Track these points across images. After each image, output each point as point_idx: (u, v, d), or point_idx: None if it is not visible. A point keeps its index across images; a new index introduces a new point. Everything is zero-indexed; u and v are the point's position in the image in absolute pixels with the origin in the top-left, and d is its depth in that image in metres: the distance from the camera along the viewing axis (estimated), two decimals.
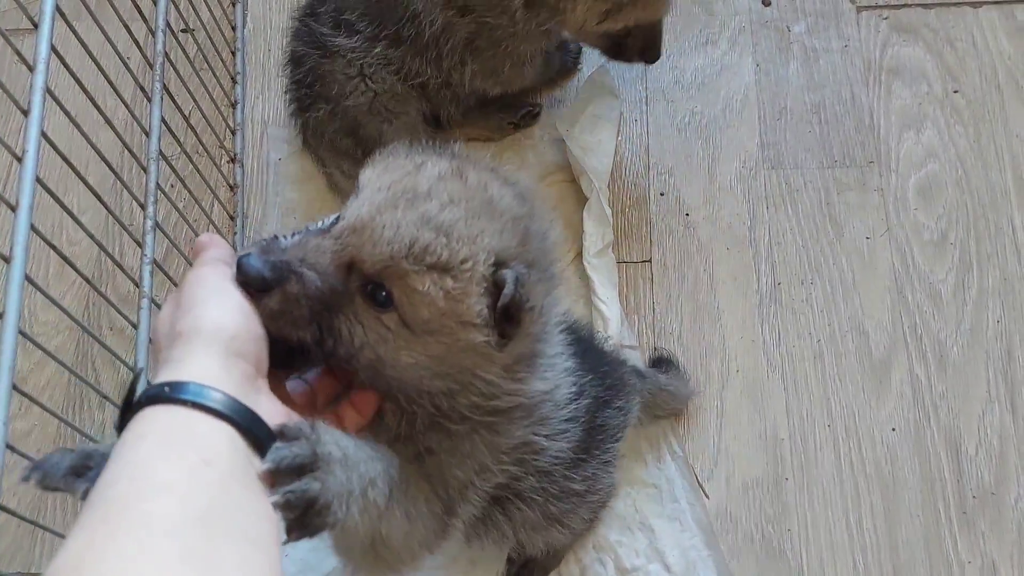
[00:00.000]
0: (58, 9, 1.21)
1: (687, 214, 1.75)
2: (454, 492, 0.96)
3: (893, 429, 1.55)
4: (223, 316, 0.77)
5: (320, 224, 0.86)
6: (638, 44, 1.63)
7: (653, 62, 1.67)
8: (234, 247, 1.73)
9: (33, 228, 1.08)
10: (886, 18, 1.93)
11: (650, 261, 1.72)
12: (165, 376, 0.72)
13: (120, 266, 1.32)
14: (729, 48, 1.93)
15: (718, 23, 1.95)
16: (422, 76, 1.63)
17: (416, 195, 0.82)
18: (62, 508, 1.58)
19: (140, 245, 1.36)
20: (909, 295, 1.66)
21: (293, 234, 0.85)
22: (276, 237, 0.83)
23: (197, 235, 1.62)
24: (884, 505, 1.50)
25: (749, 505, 1.51)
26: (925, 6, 1.94)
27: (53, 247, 1.16)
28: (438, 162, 0.87)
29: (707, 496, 1.51)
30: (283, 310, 0.80)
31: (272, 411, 0.76)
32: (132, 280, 1.34)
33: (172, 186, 1.68)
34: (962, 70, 1.87)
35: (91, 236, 1.25)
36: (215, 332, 0.76)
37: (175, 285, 1.47)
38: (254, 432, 0.72)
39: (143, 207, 1.38)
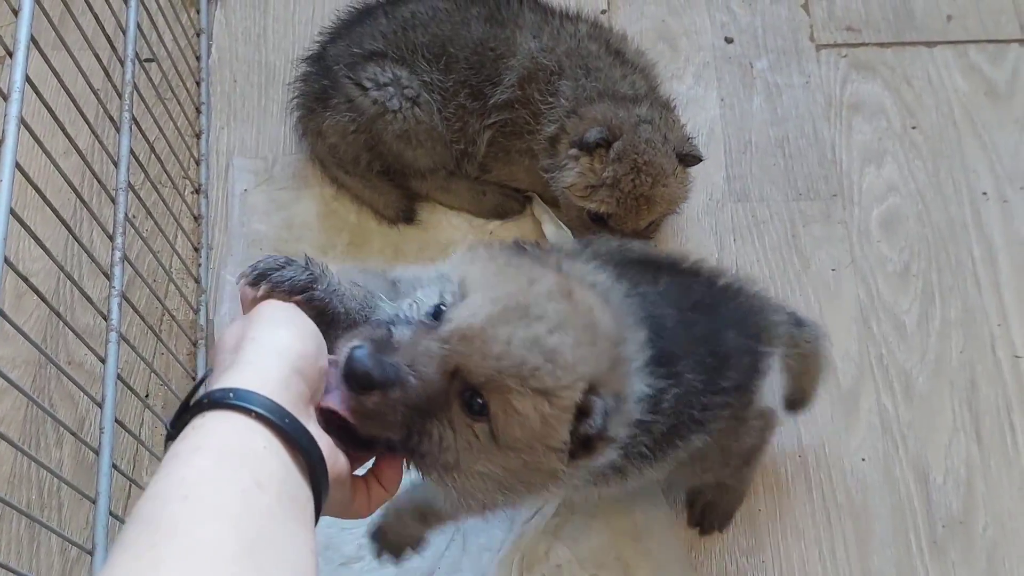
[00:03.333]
0: (32, 38, 1.19)
1: (655, 245, 1.76)
2: None
3: (863, 459, 1.56)
4: (293, 336, 0.77)
5: (426, 309, 0.87)
6: None
7: None
8: (197, 279, 1.71)
9: (7, 261, 1.05)
10: (845, 56, 1.98)
11: None
12: (228, 380, 0.71)
13: (89, 298, 1.29)
14: (695, 83, 1.96)
15: (683, 58, 1.99)
16: (458, 128, 1.69)
17: (528, 314, 0.83)
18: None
19: (108, 277, 1.33)
20: (875, 326, 1.68)
21: (404, 316, 0.86)
22: (389, 330, 0.83)
23: (162, 266, 1.59)
24: (856, 535, 1.51)
25: (723, 537, 1.51)
26: (882, 45, 1.99)
27: (27, 281, 1.13)
28: (548, 278, 0.88)
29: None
30: (378, 412, 0.80)
31: (317, 435, 0.75)
32: (100, 313, 1.31)
33: (135, 216, 1.65)
34: (919, 107, 1.92)
35: (61, 268, 1.22)
36: (285, 347, 0.76)
37: (141, 318, 1.44)
38: (308, 455, 0.71)
39: (111, 238, 1.35)
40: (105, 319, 1.31)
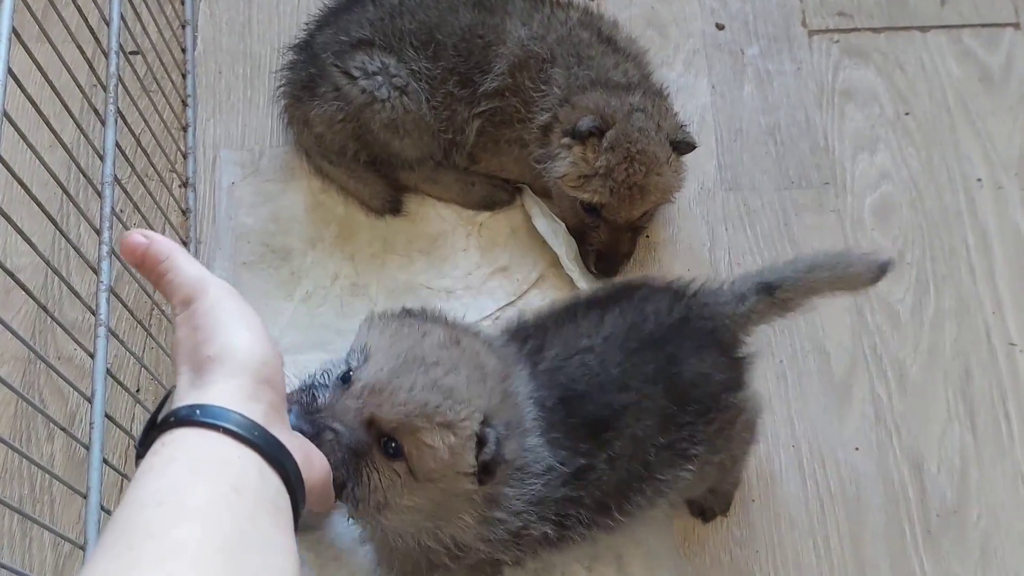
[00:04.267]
0: (15, 30, 1.17)
1: (647, 236, 1.75)
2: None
3: (856, 449, 1.56)
4: (252, 342, 0.77)
5: (336, 374, 1.03)
6: (601, 240, 1.63)
7: (602, 273, 1.65)
8: None
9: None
10: (837, 41, 1.97)
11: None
12: (195, 396, 0.71)
13: (76, 294, 1.28)
14: (685, 70, 1.94)
15: (672, 45, 1.97)
16: (447, 118, 1.68)
17: (424, 363, 0.98)
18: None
19: (96, 271, 1.32)
20: (868, 315, 1.67)
21: (319, 382, 1.02)
22: (314, 394, 1.00)
23: None
24: (850, 525, 1.50)
25: (716, 527, 1.50)
26: (875, 30, 1.98)
27: (14, 276, 1.12)
28: (437, 331, 1.04)
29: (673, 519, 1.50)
30: (328, 453, 0.92)
31: (291, 443, 0.75)
32: (88, 308, 1.30)
33: (122, 210, 1.64)
34: (912, 93, 1.90)
35: (48, 264, 1.21)
36: (246, 358, 0.76)
37: (130, 312, 1.43)
38: (282, 464, 0.71)
39: (98, 233, 1.34)
40: (94, 314, 1.30)
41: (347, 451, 0.97)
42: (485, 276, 1.72)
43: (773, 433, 1.57)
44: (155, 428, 0.71)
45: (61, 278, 1.24)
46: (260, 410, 0.73)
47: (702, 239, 1.75)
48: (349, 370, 1.02)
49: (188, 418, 0.69)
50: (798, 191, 1.80)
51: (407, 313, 1.10)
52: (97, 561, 0.59)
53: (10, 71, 1.12)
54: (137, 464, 0.71)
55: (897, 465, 1.55)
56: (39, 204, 1.19)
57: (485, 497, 1.06)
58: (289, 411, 0.89)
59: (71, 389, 1.26)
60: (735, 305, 1.28)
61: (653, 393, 1.17)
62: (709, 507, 1.48)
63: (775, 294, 1.30)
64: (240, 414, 0.70)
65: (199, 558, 0.59)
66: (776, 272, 1.32)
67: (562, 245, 1.68)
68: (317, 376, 1.04)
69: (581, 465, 1.14)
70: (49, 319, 1.61)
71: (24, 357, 1.65)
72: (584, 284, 1.65)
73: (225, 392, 0.72)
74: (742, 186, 1.81)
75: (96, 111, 1.40)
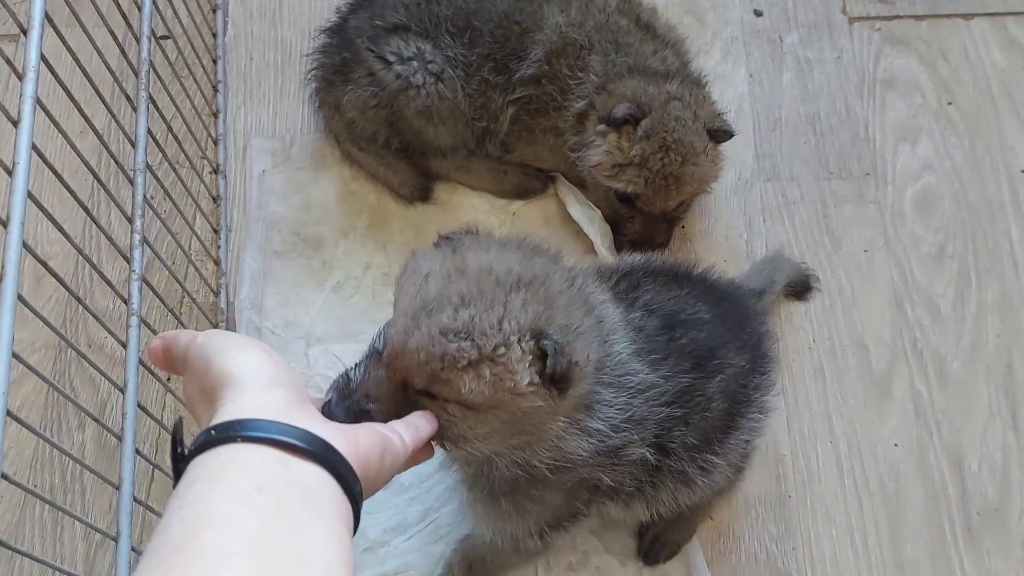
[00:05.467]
0: (47, 15, 1.16)
1: (683, 226, 1.72)
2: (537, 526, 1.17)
3: (896, 445, 1.53)
4: (248, 358, 0.79)
5: (374, 342, 0.98)
6: (636, 231, 1.61)
7: None
8: (217, 261, 1.68)
9: (25, 245, 1.02)
10: (878, 29, 1.92)
11: None
12: (220, 418, 0.73)
13: (109, 283, 1.27)
14: (722, 58, 1.90)
15: (710, 33, 1.93)
16: (481, 105, 1.66)
17: (430, 308, 0.91)
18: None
19: (127, 260, 1.31)
20: (908, 309, 1.64)
21: (361, 365, 0.96)
22: (348, 377, 0.95)
23: (181, 248, 1.57)
24: (888, 523, 1.47)
25: (752, 523, 1.48)
26: (917, 17, 1.93)
27: (46, 265, 1.11)
28: (439, 264, 0.95)
29: (711, 517, 1.47)
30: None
31: (322, 427, 0.75)
32: (120, 297, 1.29)
33: (152, 197, 1.63)
34: (956, 82, 1.86)
35: (80, 251, 1.19)
36: (244, 371, 0.78)
37: (161, 301, 1.42)
38: (308, 448, 0.71)
39: (130, 221, 1.33)
40: (125, 303, 1.29)
41: (396, 415, 0.92)
42: None
43: (811, 429, 1.55)
44: (183, 459, 0.72)
45: (93, 266, 1.23)
46: (275, 407, 0.74)
47: (739, 230, 1.72)
48: (382, 335, 0.97)
49: (204, 444, 0.70)
50: (838, 182, 1.76)
51: (443, 242, 1.02)
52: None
53: (43, 56, 1.11)
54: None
55: (937, 462, 1.52)
56: (71, 191, 1.18)
57: (578, 405, 0.99)
58: (328, 400, 0.92)
59: (102, 377, 1.25)
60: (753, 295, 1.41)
61: (741, 338, 1.23)
62: (655, 552, 1.44)
63: (763, 298, 1.46)
64: (252, 419, 0.71)
65: (229, 557, 0.59)
66: (758, 281, 1.50)
67: (597, 232, 1.65)
68: (361, 354, 1.00)
69: (685, 386, 1.12)
70: (80, 307, 1.63)
71: (55, 345, 1.65)
72: None
73: (233, 406, 0.74)
74: (780, 176, 1.77)
75: (128, 97, 1.39)
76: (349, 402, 0.92)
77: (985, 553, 1.45)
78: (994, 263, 1.68)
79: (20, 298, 1.04)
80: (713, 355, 1.17)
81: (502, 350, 0.89)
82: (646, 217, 1.59)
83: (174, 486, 0.72)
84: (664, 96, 1.53)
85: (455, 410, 0.92)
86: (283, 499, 0.66)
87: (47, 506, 1.52)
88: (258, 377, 0.77)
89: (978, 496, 1.49)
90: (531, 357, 0.90)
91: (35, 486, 1.54)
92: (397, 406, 0.93)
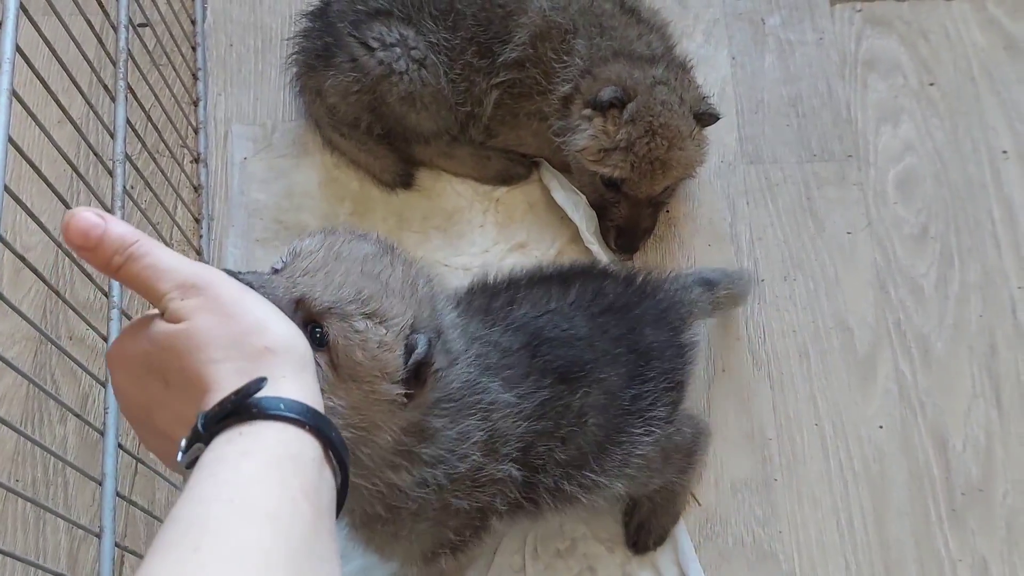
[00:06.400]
0: (23, 6, 1.14)
1: (667, 211, 1.72)
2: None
3: (880, 426, 1.54)
4: (300, 334, 0.75)
5: (278, 264, 0.95)
6: (621, 215, 1.60)
7: (621, 249, 1.64)
8: (199, 251, 1.67)
9: (1, 239, 1.01)
10: (860, 11, 1.92)
11: (632, 260, 1.68)
12: (271, 388, 0.67)
13: (88, 275, 1.25)
14: (704, 41, 1.90)
15: (692, 15, 1.92)
16: (465, 90, 1.64)
17: (361, 257, 0.93)
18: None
19: None
20: (892, 290, 1.64)
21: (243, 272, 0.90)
22: (237, 272, 0.86)
23: (163, 238, 1.55)
24: (873, 504, 1.48)
25: (738, 507, 1.49)
26: None
27: (22, 258, 1.09)
28: (372, 239, 0.98)
29: (698, 502, 1.48)
30: None
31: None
32: (100, 289, 1.27)
33: (132, 187, 1.61)
34: (937, 62, 1.86)
35: (59, 244, 1.17)
36: (304, 352, 0.73)
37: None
38: (344, 468, 0.70)
39: (110, 211, 1.30)
40: (106, 295, 1.28)
41: None
42: (503, 252, 1.69)
43: (796, 412, 1.55)
44: (227, 416, 0.66)
45: (72, 259, 1.22)
46: (322, 404, 0.71)
47: (723, 213, 1.72)
48: (275, 269, 0.94)
49: (269, 411, 0.65)
50: (820, 164, 1.76)
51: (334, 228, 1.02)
52: (159, 560, 0.56)
53: (19, 48, 1.09)
54: (189, 447, 0.67)
55: (921, 442, 1.53)
56: (48, 183, 1.17)
57: (410, 428, 0.98)
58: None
59: (79, 372, 1.24)
60: (682, 293, 1.38)
61: (619, 351, 1.23)
62: (643, 539, 1.45)
63: (714, 291, 1.45)
64: (316, 410, 0.68)
65: (267, 563, 0.56)
66: (714, 273, 1.49)
67: (582, 218, 1.65)
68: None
69: (545, 398, 1.13)
70: (56, 302, 1.61)
71: (36, 337, 1.63)
72: (604, 258, 1.63)
73: (298, 387, 0.69)
74: (763, 159, 1.77)
75: (105, 87, 1.37)
76: (241, 280, 0.84)
77: (970, 532, 1.46)
78: (976, 243, 1.68)
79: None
80: (580, 368, 1.17)
81: (397, 320, 0.91)
82: (632, 202, 1.58)
83: (207, 431, 0.66)
84: (650, 80, 1.52)
85: (321, 362, 0.87)
86: (319, 514, 0.63)
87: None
88: (311, 362, 0.74)
89: (962, 476, 1.50)
90: (404, 341, 0.92)
91: (16, 481, 1.53)
92: None
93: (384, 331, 0.90)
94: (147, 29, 1.63)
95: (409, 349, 0.92)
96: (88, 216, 0.70)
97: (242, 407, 0.66)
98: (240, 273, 0.84)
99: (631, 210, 1.59)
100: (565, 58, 1.58)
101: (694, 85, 1.59)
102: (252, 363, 0.69)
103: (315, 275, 0.90)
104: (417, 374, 0.93)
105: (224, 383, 0.68)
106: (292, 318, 0.83)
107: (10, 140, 1.05)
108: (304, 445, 0.66)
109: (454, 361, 1.02)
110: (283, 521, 0.59)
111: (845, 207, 1.72)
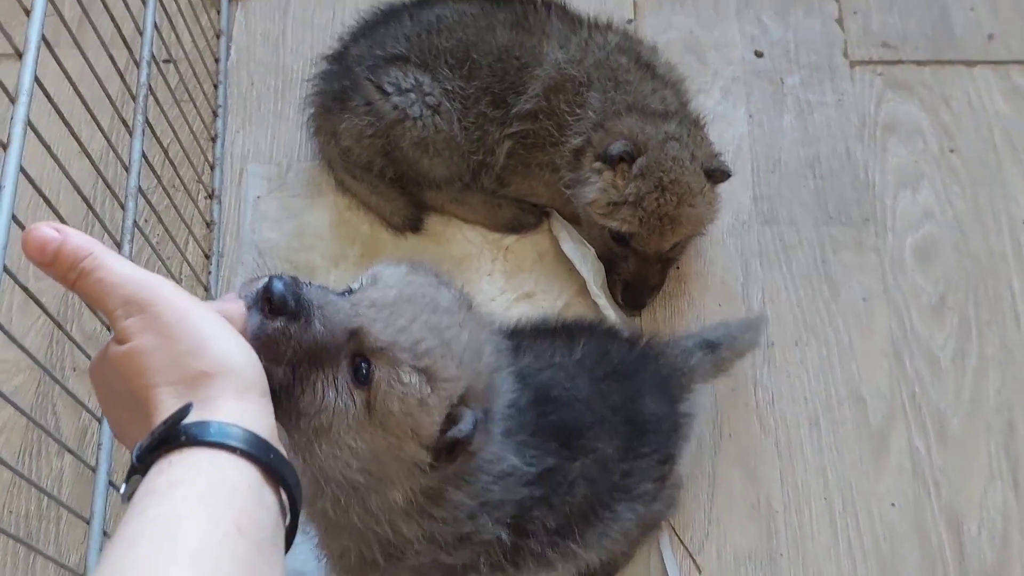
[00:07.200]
0: (44, 38, 1.15)
1: (677, 267, 1.70)
2: None
3: (892, 504, 1.49)
4: (247, 354, 0.71)
5: (341, 290, 0.90)
6: (629, 270, 1.58)
7: (628, 304, 1.61)
8: (207, 287, 1.66)
9: (6, 270, 1.00)
10: (880, 74, 1.91)
11: (639, 316, 1.66)
12: (200, 414, 0.64)
13: (91, 307, 1.24)
14: (722, 98, 1.89)
15: (711, 72, 1.92)
16: (478, 138, 1.64)
17: (435, 307, 0.88)
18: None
19: None
20: (907, 361, 1.61)
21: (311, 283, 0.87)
22: (303, 282, 0.85)
23: (171, 274, 1.55)
24: None
25: None
26: (920, 63, 1.92)
27: (25, 289, 1.09)
28: (452, 289, 0.94)
29: (699, 570, 1.44)
30: (274, 340, 0.80)
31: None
32: (104, 323, 1.26)
33: (146, 220, 1.61)
34: (958, 129, 1.84)
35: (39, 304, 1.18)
36: (249, 373, 0.69)
37: None
38: (291, 489, 0.67)
39: (118, 245, 1.31)
40: (108, 329, 1.26)
41: (309, 351, 0.82)
42: (510, 302, 1.68)
43: (805, 484, 1.51)
44: (159, 446, 0.63)
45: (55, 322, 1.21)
46: (269, 426, 0.68)
47: (735, 273, 1.70)
48: (350, 290, 0.90)
49: (199, 437, 0.63)
50: (837, 227, 1.74)
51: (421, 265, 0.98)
52: None
53: (37, 80, 1.10)
54: (128, 481, 0.65)
55: (935, 523, 1.48)
56: (58, 215, 1.17)
57: (426, 491, 0.94)
58: (279, 277, 0.81)
59: (89, 388, 1.22)
60: (683, 359, 1.35)
61: (616, 420, 1.19)
62: None
63: (717, 352, 1.42)
64: (253, 433, 0.65)
65: None
66: (716, 332, 1.45)
67: (590, 271, 1.63)
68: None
69: (550, 466, 1.10)
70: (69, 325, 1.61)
71: (42, 360, 1.62)
72: (611, 313, 1.60)
73: (237, 410, 0.66)
74: (779, 220, 1.75)
75: (124, 121, 1.38)
76: (302, 294, 0.81)
77: None
78: (995, 316, 1.65)
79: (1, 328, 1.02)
80: (580, 435, 1.14)
81: (448, 385, 0.86)
82: (640, 257, 1.57)
83: (141, 461, 0.64)
84: (662, 135, 1.51)
85: (357, 400, 0.84)
86: (256, 547, 0.60)
87: (20, 529, 1.50)
88: (258, 382, 0.70)
89: (976, 561, 1.45)
90: (448, 409, 0.88)
91: (10, 512, 1.52)
92: (327, 345, 0.83)
93: (429, 391, 0.85)
94: (170, 65, 1.64)
95: (451, 420, 0.88)
96: (44, 231, 0.68)
97: (171, 435, 0.63)
98: (306, 284, 0.83)
99: (639, 265, 1.57)
100: (578, 111, 1.58)
101: (707, 142, 1.58)
102: (188, 387, 0.66)
103: (381, 310, 0.85)
104: (450, 448, 0.89)
105: (162, 408, 0.66)
106: (342, 346, 0.83)
107: (22, 170, 1.05)
108: (239, 472, 0.63)
109: (491, 440, 0.98)
110: (210, 560, 0.56)
111: (861, 273, 1.70)
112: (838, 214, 1.76)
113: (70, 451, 1.19)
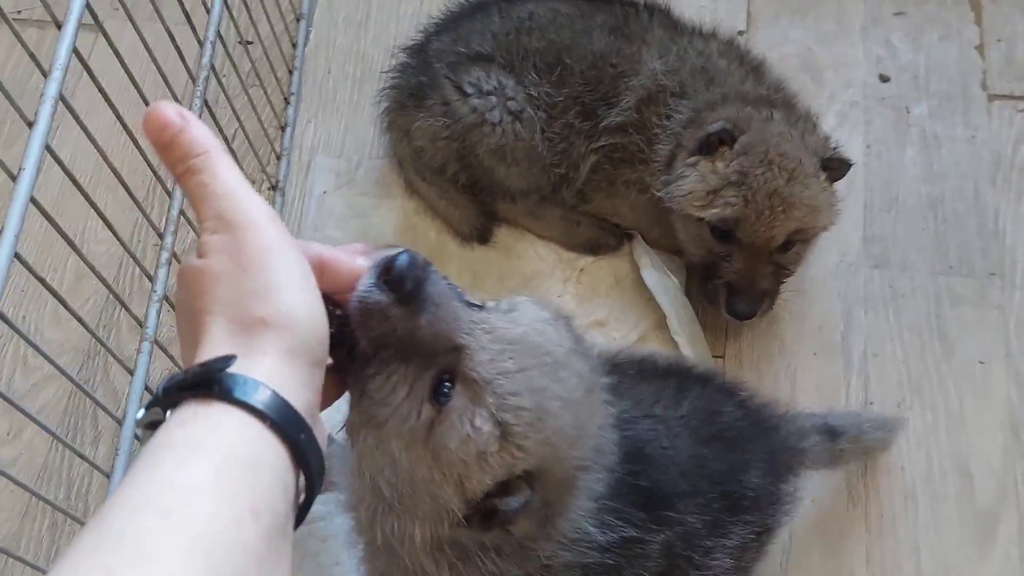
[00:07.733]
0: (89, 6, 1.07)
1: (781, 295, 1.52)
2: None
3: None
4: (314, 312, 0.64)
5: (469, 298, 0.82)
6: (734, 270, 1.38)
7: (734, 313, 1.40)
8: None
9: (18, 256, 0.93)
10: (1022, 110, 1.70)
11: (723, 357, 1.50)
12: (242, 368, 0.59)
13: (126, 307, 1.18)
14: (838, 124, 1.71)
15: (827, 94, 1.74)
16: (562, 151, 1.51)
17: (555, 371, 0.79)
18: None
19: (151, 279, 1.21)
20: None
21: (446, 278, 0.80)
22: (430, 269, 0.78)
23: None
24: None
25: None
26: None
27: (43, 282, 1.01)
28: (586, 363, 0.84)
29: None
30: (372, 312, 0.74)
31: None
32: (136, 320, 1.19)
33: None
34: None
35: (95, 273, 1.11)
36: (307, 334, 0.63)
37: None
38: (313, 473, 0.61)
39: (160, 236, 1.23)
40: (141, 325, 1.19)
41: (402, 341, 0.75)
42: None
43: (895, 563, 1.34)
44: (187, 387, 0.58)
45: (111, 291, 1.14)
46: (308, 400, 0.62)
47: (835, 320, 1.53)
48: (481, 305, 0.82)
49: (232, 394, 0.57)
50: (957, 278, 1.55)
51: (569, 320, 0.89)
52: (65, 569, 0.48)
53: (77, 52, 1.02)
54: (147, 413, 0.61)
55: None
56: (98, 211, 1.10)
57: (450, 542, 0.86)
58: (411, 254, 0.75)
59: (122, 395, 1.16)
60: (797, 438, 1.22)
61: (711, 495, 1.08)
62: None
63: (837, 441, 1.28)
64: (291, 407, 0.59)
65: None
66: (843, 419, 1.31)
67: (672, 305, 1.48)
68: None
69: (630, 536, 0.98)
70: (113, 315, 1.57)
71: (84, 350, 1.57)
72: (691, 352, 1.45)
73: (279, 373, 0.60)
74: (891, 264, 1.57)
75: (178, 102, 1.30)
76: (425, 281, 0.75)
77: None
78: None
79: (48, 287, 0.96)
80: (670, 505, 1.02)
81: (518, 453, 0.78)
82: (748, 251, 1.37)
83: (166, 395, 0.60)
84: (764, 115, 1.36)
85: (423, 413, 0.78)
86: (268, 535, 0.55)
87: (46, 521, 1.45)
88: (314, 348, 0.64)
89: None
90: (503, 480, 0.79)
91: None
92: (425, 344, 0.76)
93: (496, 449, 0.77)
94: (245, 49, 1.56)
95: (504, 488, 0.79)
96: (168, 113, 0.65)
97: (203, 382, 0.59)
98: (437, 276, 0.77)
99: (747, 263, 1.37)
100: (667, 122, 1.43)
101: (820, 131, 1.40)
102: (242, 329, 0.61)
103: (495, 342, 0.77)
104: (487, 515, 0.81)
105: (211, 341, 0.61)
106: (437, 355, 0.77)
107: (49, 150, 0.97)
108: (265, 446, 0.58)
109: (544, 536, 0.88)
110: (219, 548, 0.51)
111: (981, 332, 1.50)
112: (959, 264, 1.56)
113: (82, 456, 1.12)
